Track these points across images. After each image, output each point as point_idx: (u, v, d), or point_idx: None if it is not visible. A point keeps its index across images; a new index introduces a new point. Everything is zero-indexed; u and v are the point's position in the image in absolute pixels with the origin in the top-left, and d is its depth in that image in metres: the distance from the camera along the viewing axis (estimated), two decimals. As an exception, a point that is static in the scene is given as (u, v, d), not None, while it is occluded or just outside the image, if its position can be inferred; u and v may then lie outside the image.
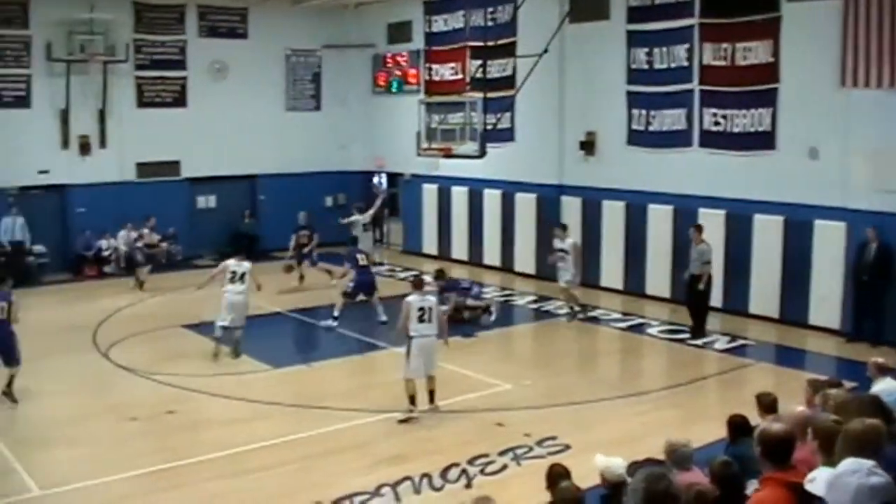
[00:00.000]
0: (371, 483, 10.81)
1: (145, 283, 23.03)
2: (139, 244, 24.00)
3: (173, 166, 27.02)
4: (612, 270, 21.79)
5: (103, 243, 25.30)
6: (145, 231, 24.59)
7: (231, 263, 16.90)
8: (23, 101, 24.66)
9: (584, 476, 7.36)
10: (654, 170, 20.87)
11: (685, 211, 20.11)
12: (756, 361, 16.43)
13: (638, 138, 21.32)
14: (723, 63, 19.29)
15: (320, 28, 29.25)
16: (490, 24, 23.48)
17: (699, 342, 17.64)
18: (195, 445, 12.45)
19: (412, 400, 13.47)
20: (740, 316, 19.17)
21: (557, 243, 19.60)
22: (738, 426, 8.31)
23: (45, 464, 11.72)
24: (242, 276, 16.64)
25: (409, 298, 13.77)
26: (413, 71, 27.76)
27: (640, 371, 16.93)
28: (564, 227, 20.11)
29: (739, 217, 19.20)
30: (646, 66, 20.93)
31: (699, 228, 18.30)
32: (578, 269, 19.56)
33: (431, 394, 13.67)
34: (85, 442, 12.68)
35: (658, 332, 18.50)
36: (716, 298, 19.56)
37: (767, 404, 8.72)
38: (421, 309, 13.57)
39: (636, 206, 21.08)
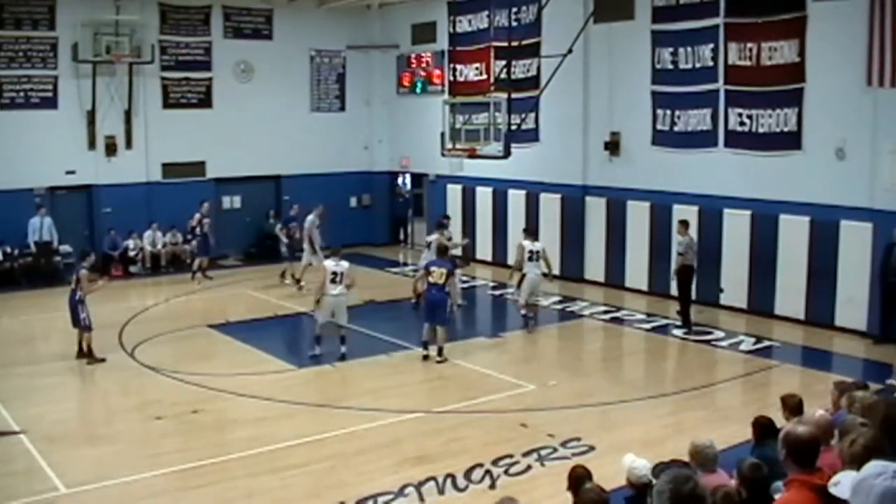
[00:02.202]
0: (395, 483, 10.82)
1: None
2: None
3: (199, 167, 27.15)
4: (636, 271, 21.72)
5: (129, 243, 25.46)
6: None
7: (330, 264, 16.74)
8: (50, 102, 24.84)
9: (609, 478, 7.36)
10: (678, 170, 20.80)
11: (710, 211, 20.05)
12: (781, 363, 16.35)
13: (663, 138, 21.26)
14: (748, 63, 19.20)
15: (345, 29, 29.33)
16: (514, 24, 23.43)
17: (725, 344, 17.58)
18: (220, 445, 12.51)
19: (318, 340, 16.48)
20: (766, 317, 19.09)
21: (528, 245, 19.49)
22: (764, 428, 8.27)
23: (71, 462, 11.77)
24: (342, 276, 16.54)
25: (326, 263, 16.74)
26: (437, 71, 27.78)
27: (665, 372, 16.87)
28: (534, 233, 20.35)
29: (765, 217, 19.12)
30: (671, 66, 20.85)
31: (685, 224, 19.06)
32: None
33: (342, 339, 16.45)
34: (111, 440, 12.77)
35: (683, 334, 18.42)
36: (741, 299, 19.58)
37: (793, 406, 8.66)
38: (334, 273, 16.29)
39: (661, 206, 21.01)
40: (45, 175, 24.49)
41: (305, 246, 22.54)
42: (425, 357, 16.39)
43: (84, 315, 16.57)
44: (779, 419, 8.45)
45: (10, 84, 24.28)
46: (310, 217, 22.80)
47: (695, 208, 20.42)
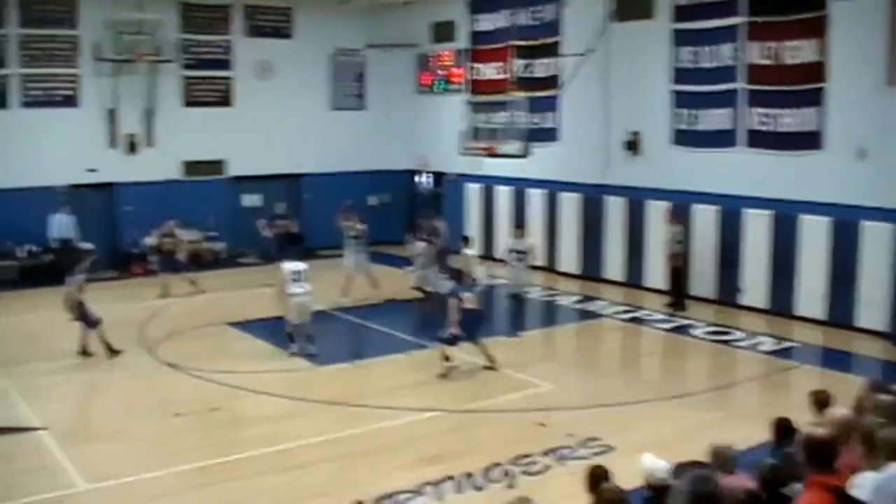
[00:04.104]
0: (413, 482, 10.83)
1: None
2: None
3: (219, 165, 27.26)
4: (656, 271, 21.64)
5: (149, 241, 25.51)
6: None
7: (288, 265, 16.88)
8: (71, 101, 25.00)
9: (628, 478, 7.33)
10: (699, 170, 20.74)
11: (730, 211, 19.99)
12: (801, 364, 16.26)
13: (683, 138, 21.19)
14: (769, 62, 19.11)
15: (365, 27, 29.37)
16: (534, 23, 23.46)
17: (745, 344, 17.52)
18: (239, 442, 12.56)
19: (291, 337, 16.66)
20: (786, 318, 19.01)
21: (515, 244, 20.14)
22: (784, 428, 8.23)
23: (91, 458, 11.83)
24: (302, 274, 16.67)
25: (283, 265, 16.85)
26: (457, 70, 27.77)
27: (684, 372, 16.82)
28: (522, 227, 20.81)
29: (786, 218, 19.04)
30: (691, 66, 20.79)
31: (674, 214, 20.22)
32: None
33: (309, 337, 16.67)
34: (131, 437, 12.82)
35: (702, 334, 18.36)
36: (761, 300, 19.50)
37: (822, 402, 8.55)
38: (295, 272, 16.56)
39: (681, 206, 20.93)
40: (66, 173, 24.61)
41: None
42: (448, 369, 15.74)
43: (91, 313, 16.82)
44: (800, 419, 8.39)
45: (33, 82, 24.43)
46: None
47: (715, 208, 20.36)
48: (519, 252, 19.32)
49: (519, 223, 20.51)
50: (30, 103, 24.39)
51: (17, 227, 23.59)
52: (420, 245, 21.32)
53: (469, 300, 15.83)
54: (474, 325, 15.88)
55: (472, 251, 19.82)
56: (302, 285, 16.57)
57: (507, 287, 19.78)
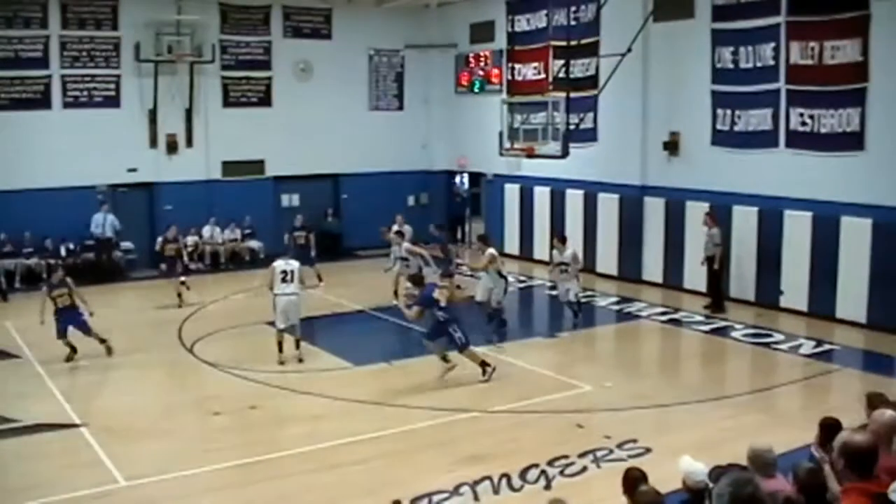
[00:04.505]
0: (450, 482, 10.83)
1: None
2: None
3: (258, 165, 27.41)
4: (695, 272, 21.47)
5: (189, 240, 25.76)
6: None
7: (280, 263, 16.59)
8: (112, 101, 25.25)
9: (665, 480, 7.29)
10: (739, 171, 20.58)
11: (770, 213, 19.83)
12: (842, 367, 16.12)
13: (723, 138, 21.04)
14: (810, 62, 18.93)
15: (403, 28, 29.43)
16: (573, 23, 23.35)
17: (785, 347, 17.37)
18: (277, 441, 12.64)
19: (280, 347, 16.14)
20: (826, 320, 18.80)
21: (557, 256, 19.24)
22: (831, 429, 8.10)
23: (130, 455, 11.93)
24: (292, 274, 16.38)
25: (275, 263, 16.51)
26: (496, 71, 27.76)
27: (724, 375, 16.70)
28: (564, 240, 19.70)
29: (827, 219, 18.84)
30: (731, 66, 20.63)
31: (711, 215, 20.04)
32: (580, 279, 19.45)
33: (297, 342, 16.37)
34: (170, 435, 12.93)
35: (742, 336, 18.23)
36: (801, 302, 19.33)
37: (878, 404, 8.40)
38: (284, 272, 16.19)
39: (720, 207, 20.76)
40: (107, 172, 24.87)
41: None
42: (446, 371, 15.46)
43: (84, 316, 16.75)
44: (845, 421, 8.29)
45: (74, 83, 24.71)
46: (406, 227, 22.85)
47: (755, 209, 20.21)
48: (563, 265, 18.80)
49: (560, 236, 20.04)
50: (71, 104, 24.68)
51: (59, 225, 23.86)
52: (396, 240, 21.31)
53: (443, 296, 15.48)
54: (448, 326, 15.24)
55: (492, 250, 18.82)
56: (290, 285, 16.26)
57: (484, 302, 18.70)
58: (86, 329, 16.55)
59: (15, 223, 23.52)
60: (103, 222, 24.24)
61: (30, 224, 23.53)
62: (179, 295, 21.22)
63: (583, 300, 19.88)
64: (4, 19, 23.67)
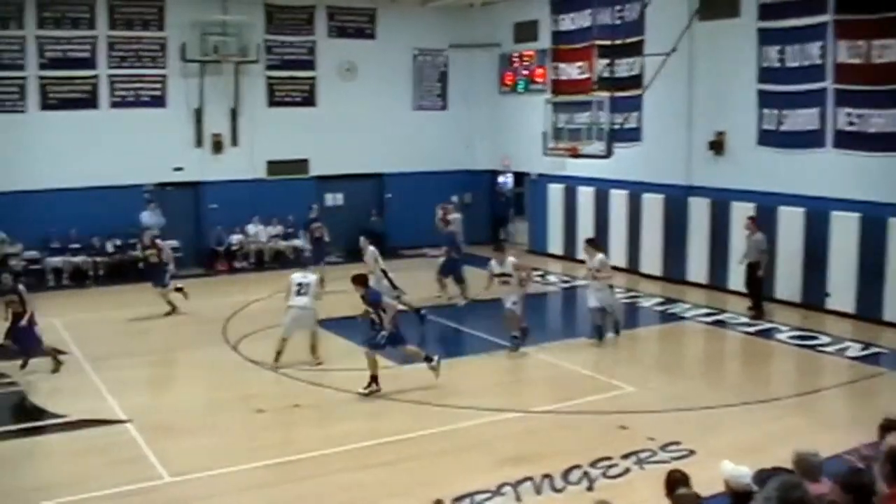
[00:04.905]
0: (492, 482, 10.81)
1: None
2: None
3: (302, 164, 27.55)
4: (739, 274, 21.30)
5: (234, 238, 25.98)
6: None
7: (296, 276, 16.58)
8: (159, 101, 25.51)
9: (708, 483, 7.24)
10: (785, 171, 20.39)
11: (817, 213, 19.63)
12: (889, 370, 15.91)
13: (769, 138, 20.85)
14: (858, 61, 18.72)
15: (447, 28, 29.44)
16: (617, 22, 23.28)
17: (831, 349, 17.18)
18: (320, 439, 12.66)
19: (278, 356, 15.94)
20: (873, 322, 18.58)
21: (496, 267, 17.37)
22: (889, 430, 7.99)
23: (175, 451, 12.04)
24: (307, 287, 16.31)
25: (293, 275, 16.51)
26: (540, 70, 27.70)
27: (768, 377, 16.53)
28: (594, 244, 18.52)
29: (874, 220, 18.62)
30: (777, 65, 20.44)
31: (754, 220, 19.80)
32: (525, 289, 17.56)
33: (312, 347, 16.33)
34: (213, 432, 13.03)
35: (787, 338, 18.06)
36: (848, 304, 19.12)
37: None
38: (299, 284, 16.18)
39: (766, 207, 20.61)
40: (153, 171, 25.10)
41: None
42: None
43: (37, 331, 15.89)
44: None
45: (121, 83, 24.97)
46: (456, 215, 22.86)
47: (801, 210, 20.01)
48: (503, 275, 17.26)
49: (589, 238, 19.15)
50: (118, 103, 24.96)
51: (105, 224, 24.12)
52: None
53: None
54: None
55: (601, 256, 17.98)
56: (302, 298, 16.20)
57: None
58: (28, 343, 15.66)
59: (63, 221, 23.84)
60: (149, 221, 24.46)
61: (77, 222, 23.87)
62: (170, 302, 20.22)
63: (619, 321, 18.16)
64: (53, 20, 23.99)
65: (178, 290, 20.45)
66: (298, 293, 16.25)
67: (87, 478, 11.08)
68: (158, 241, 21.32)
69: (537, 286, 23.49)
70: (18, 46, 23.68)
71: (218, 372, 16.23)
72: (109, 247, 24.53)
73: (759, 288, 19.93)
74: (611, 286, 17.96)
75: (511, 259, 17.49)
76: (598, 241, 19.70)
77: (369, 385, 14.51)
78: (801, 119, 20.05)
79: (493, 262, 17.51)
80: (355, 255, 21.03)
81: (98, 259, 24.22)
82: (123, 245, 24.70)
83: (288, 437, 12.84)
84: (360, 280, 15.39)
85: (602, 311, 17.63)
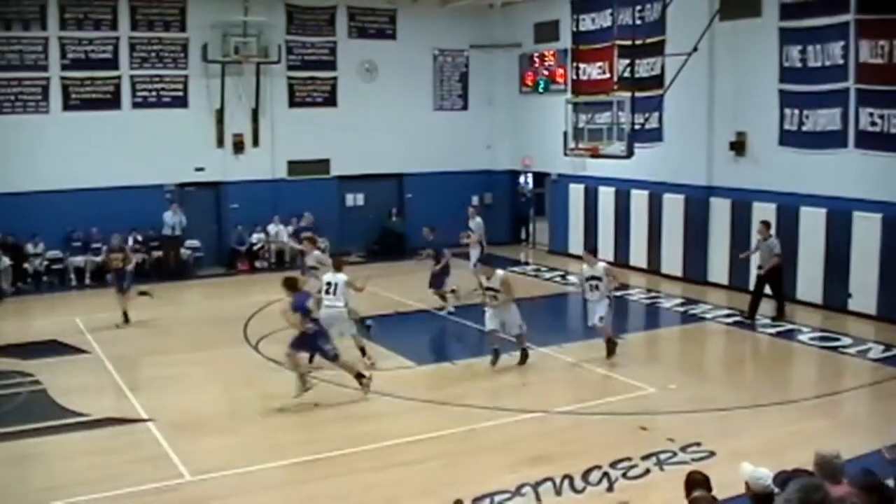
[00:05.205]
0: (512, 482, 10.81)
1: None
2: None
3: (323, 164, 27.64)
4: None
5: (255, 238, 26.07)
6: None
7: (326, 276, 16.45)
8: (180, 101, 25.65)
9: (729, 485, 7.22)
10: (806, 171, 20.28)
11: (839, 214, 19.52)
12: (913, 372, 15.83)
13: (790, 138, 20.75)
14: (880, 61, 18.58)
15: (467, 28, 29.47)
16: (638, 22, 23.21)
17: (853, 351, 17.07)
18: (340, 438, 12.68)
19: (362, 352, 16.06)
20: (896, 324, 18.51)
21: (587, 270, 16.63)
22: None
23: (196, 450, 12.10)
24: (336, 287, 16.07)
25: (324, 276, 16.46)
26: (560, 70, 27.67)
27: (790, 378, 16.47)
28: (595, 252, 17.68)
29: (897, 221, 18.54)
30: (799, 65, 20.33)
31: (767, 224, 19.57)
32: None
33: (362, 349, 16.17)
34: (235, 431, 13.10)
35: (809, 339, 17.98)
36: (870, 305, 19.01)
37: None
38: (328, 283, 16.05)
39: (788, 208, 20.52)
40: (175, 171, 25.24)
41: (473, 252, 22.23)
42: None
43: None
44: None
45: (143, 83, 25.12)
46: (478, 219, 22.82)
47: (823, 210, 19.91)
48: (593, 279, 16.48)
49: (590, 247, 18.34)
50: (140, 104, 25.12)
51: (127, 223, 24.19)
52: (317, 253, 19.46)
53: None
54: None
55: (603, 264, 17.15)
56: (330, 297, 15.99)
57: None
58: None
59: (86, 221, 24.02)
60: (173, 220, 24.58)
61: (99, 221, 23.95)
62: (125, 312, 19.51)
63: (618, 339, 17.09)
64: (75, 21, 24.17)
65: (143, 293, 20.15)
66: (327, 292, 16.20)
67: (109, 476, 11.13)
68: (127, 246, 21.16)
69: (557, 286, 23.55)
70: (41, 47, 23.87)
71: (239, 371, 16.27)
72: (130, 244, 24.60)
73: (779, 289, 19.68)
74: (610, 299, 16.68)
75: (602, 264, 16.78)
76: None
77: (360, 382, 14.48)
78: (823, 119, 19.94)
79: (584, 266, 16.75)
80: (375, 255, 21.08)
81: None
82: (145, 245, 24.75)
83: (309, 436, 12.85)
84: (291, 285, 14.75)
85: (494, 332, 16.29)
